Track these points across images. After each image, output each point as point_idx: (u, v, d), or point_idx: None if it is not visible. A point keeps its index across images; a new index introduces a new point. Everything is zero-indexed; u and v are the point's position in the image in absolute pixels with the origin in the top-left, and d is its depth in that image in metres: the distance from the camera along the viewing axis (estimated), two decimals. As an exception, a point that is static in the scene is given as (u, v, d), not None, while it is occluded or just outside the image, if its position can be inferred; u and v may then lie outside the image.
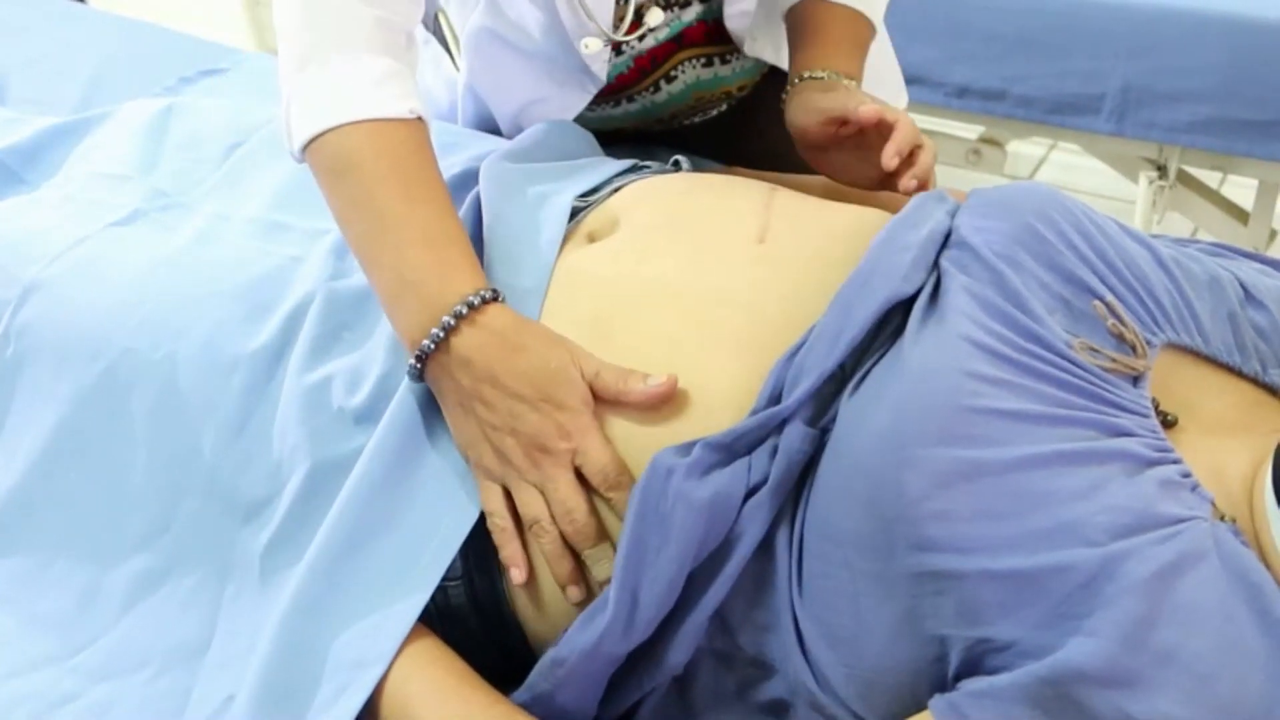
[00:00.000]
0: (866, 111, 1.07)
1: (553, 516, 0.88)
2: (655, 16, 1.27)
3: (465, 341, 0.91)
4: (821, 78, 1.19)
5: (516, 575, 0.90)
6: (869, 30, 1.29)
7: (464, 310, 0.92)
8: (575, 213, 1.07)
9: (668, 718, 0.90)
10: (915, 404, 0.79)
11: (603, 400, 0.89)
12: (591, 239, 1.04)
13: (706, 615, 0.85)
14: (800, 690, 0.84)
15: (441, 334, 0.91)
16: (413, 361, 0.93)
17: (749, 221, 0.99)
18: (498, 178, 1.09)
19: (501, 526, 0.90)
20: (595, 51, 1.23)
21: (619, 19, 1.25)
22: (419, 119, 1.01)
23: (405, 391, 0.96)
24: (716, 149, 1.43)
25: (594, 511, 0.88)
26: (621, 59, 1.30)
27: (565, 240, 1.03)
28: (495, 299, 0.93)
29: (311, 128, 0.99)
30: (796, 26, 1.29)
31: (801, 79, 1.20)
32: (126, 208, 1.19)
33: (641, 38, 1.29)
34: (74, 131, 1.37)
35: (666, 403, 0.88)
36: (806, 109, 1.15)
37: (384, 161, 0.98)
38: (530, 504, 0.89)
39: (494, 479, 0.91)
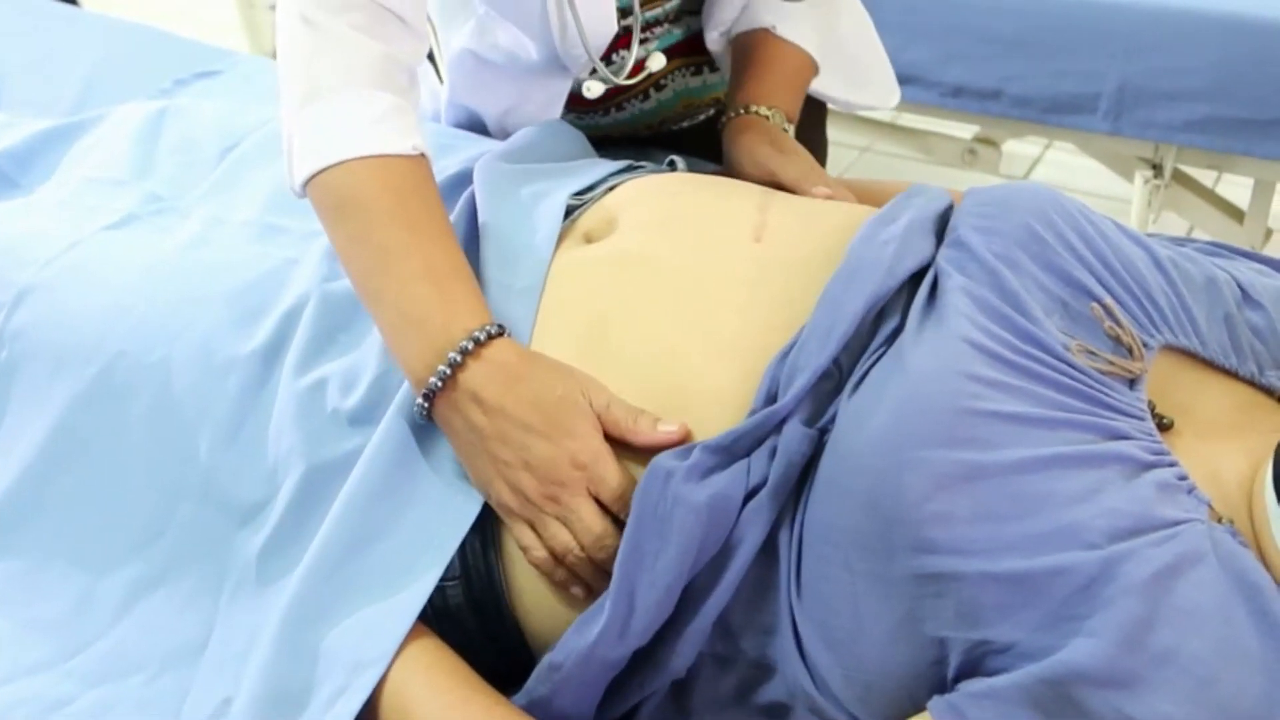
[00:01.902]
0: (820, 194, 1.09)
1: (581, 545, 0.88)
2: (657, 61, 1.28)
3: (472, 377, 0.91)
4: (766, 115, 1.22)
5: (578, 591, 0.90)
6: (812, 70, 1.32)
7: (470, 346, 0.91)
8: (570, 211, 1.06)
9: (665, 720, 0.90)
10: (915, 406, 0.79)
11: (610, 435, 0.89)
12: (588, 239, 1.03)
13: (710, 621, 0.84)
14: (799, 693, 0.84)
15: (448, 370, 0.91)
16: (420, 401, 0.93)
17: (745, 221, 0.99)
18: (492, 177, 1.09)
19: (541, 558, 0.90)
20: (596, 95, 1.24)
21: (612, 51, 1.26)
22: (422, 155, 1.00)
23: (402, 394, 0.96)
24: (704, 153, 1.43)
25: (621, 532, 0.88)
26: (612, 67, 1.30)
27: (561, 239, 1.03)
28: (501, 334, 0.93)
29: (314, 164, 0.98)
30: (742, 55, 1.31)
31: (746, 111, 1.23)
32: (120, 211, 1.19)
33: (647, 94, 1.30)
34: (68, 135, 1.37)
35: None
36: (754, 161, 1.17)
37: (387, 198, 0.97)
38: (557, 536, 0.89)
39: (517, 516, 0.90)
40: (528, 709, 0.87)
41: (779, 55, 1.29)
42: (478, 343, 0.91)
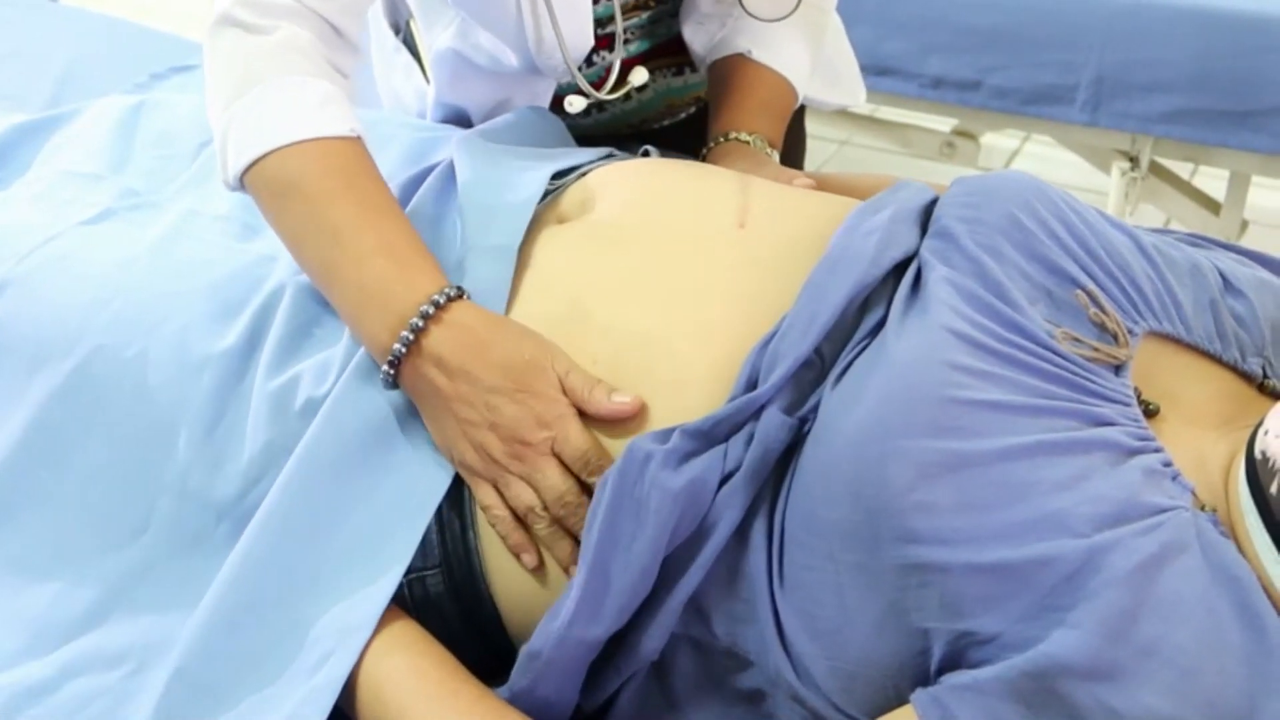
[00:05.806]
0: (801, 183, 1.09)
1: (545, 503, 0.89)
2: (640, 76, 1.27)
3: (435, 340, 0.92)
4: (747, 141, 1.21)
5: (529, 560, 0.91)
6: (793, 97, 1.30)
7: (430, 310, 0.92)
8: (547, 195, 1.06)
9: (648, 706, 0.90)
10: (899, 395, 0.79)
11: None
12: (561, 220, 1.04)
13: (681, 602, 0.84)
14: (780, 682, 0.84)
15: (411, 336, 0.92)
16: (385, 368, 0.94)
17: (728, 205, 0.99)
18: (472, 148, 1.09)
19: (501, 517, 0.91)
20: (577, 110, 1.23)
21: (592, 53, 1.25)
22: (359, 138, 1.01)
23: (355, 363, 0.96)
24: (684, 149, 1.43)
25: (585, 493, 0.89)
26: (593, 69, 1.30)
27: (537, 218, 1.03)
28: (460, 296, 0.94)
29: (252, 152, 0.98)
30: (720, 83, 1.30)
31: (726, 139, 1.22)
32: (97, 206, 1.18)
33: (627, 96, 1.29)
34: (44, 129, 1.36)
35: (627, 421, 0.89)
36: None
37: (334, 178, 0.97)
38: (520, 495, 0.90)
39: (480, 476, 0.91)
40: (511, 701, 0.86)
41: (757, 81, 1.28)
42: (438, 305, 0.92)
